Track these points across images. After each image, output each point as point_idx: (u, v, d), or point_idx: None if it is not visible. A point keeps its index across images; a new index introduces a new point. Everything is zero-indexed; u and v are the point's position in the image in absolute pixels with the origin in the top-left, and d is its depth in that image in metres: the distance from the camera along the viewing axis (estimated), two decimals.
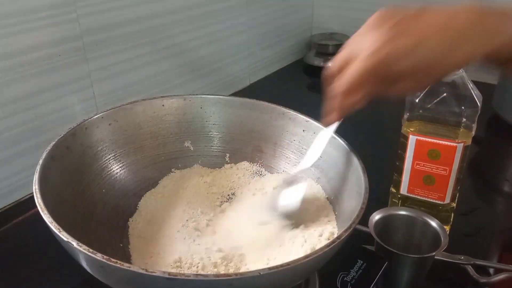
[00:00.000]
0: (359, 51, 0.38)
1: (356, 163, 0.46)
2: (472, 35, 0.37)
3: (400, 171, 0.57)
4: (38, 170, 0.41)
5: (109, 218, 0.50)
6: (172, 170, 0.57)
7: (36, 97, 0.65)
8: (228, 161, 0.59)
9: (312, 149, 0.48)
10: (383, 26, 0.37)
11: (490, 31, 0.37)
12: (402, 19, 0.37)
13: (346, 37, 1.18)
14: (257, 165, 0.58)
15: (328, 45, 1.18)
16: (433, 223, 0.51)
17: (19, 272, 0.54)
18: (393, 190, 0.60)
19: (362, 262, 0.51)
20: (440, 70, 0.38)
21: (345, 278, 0.49)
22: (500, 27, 0.37)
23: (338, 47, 1.16)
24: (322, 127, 0.44)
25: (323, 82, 0.42)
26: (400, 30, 0.37)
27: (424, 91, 0.52)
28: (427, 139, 0.54)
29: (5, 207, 0.65)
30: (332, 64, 0.41)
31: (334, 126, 0.45)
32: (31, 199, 0.65)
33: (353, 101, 0.40)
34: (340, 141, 0.50)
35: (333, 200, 0.50)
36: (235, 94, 1.04)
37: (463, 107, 0.51)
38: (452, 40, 0.37)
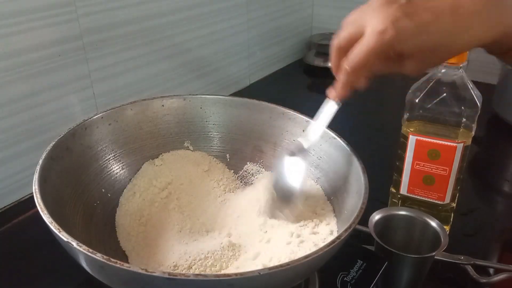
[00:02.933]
0: (367, 27, 0.38)
1: (356, 163, 0.46)
2: (477, 20, 0.37)
3: (400, 171, 0.57)
4: (38, 170, 0.41)
5: (109, 218, 0.50)
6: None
7: (36, 97, 0.65)
8: (229, 160, 0.59)
9: (318, 122, 0.46)
10: (393, 4, 0.37)
11: (492, 20, 0.37)
12: (411, 0, 0.37)
13: None
14: (257, 165, 0.58)
15: (328, 45, 1.17)
16: (433, 223, 0.51)
17: (18, 272, 0.54)
18: (393, 190, 0.60)
19: (362, 262, 0.51)
20: (446, 51, 0.39)
21: (345, 278, 0.49)
22: (501, 17, 0.38)
23: None
24: (329, 99, 0.43)
25: (330, 52, 0.42)
26: (409, 10, 0.36)
27: (424, 92, 0.52)
28: (427, 139, 0.54)
29: (4, 207, 0.65)
30: (340, 36, 0.41)
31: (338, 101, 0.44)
32: (30, 199, 0.65)
33: (360, 79, 0.40)
34: (340, 141, 0.50)
35: (333, 200, 0.50)
36: (235, 94, 1.04)
37: (463, 107, 0.51)
38: (459, 23, 0.37)
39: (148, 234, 0.49)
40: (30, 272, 0.54)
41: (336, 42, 0.41)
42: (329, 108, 0.44)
